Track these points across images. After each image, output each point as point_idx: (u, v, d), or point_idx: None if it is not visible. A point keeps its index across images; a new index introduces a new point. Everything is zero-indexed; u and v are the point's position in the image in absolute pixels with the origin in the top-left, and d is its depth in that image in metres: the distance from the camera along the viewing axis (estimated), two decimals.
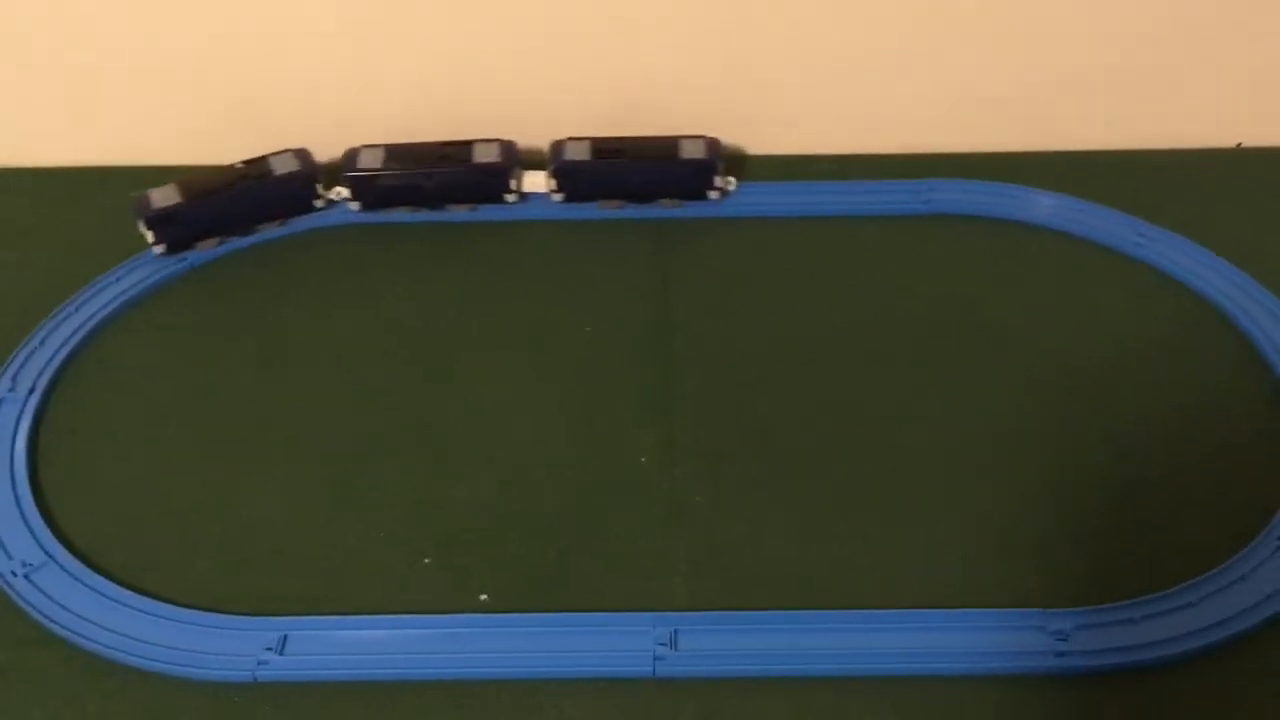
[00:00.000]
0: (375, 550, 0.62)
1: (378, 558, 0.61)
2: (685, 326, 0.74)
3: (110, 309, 0.75)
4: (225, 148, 0.81)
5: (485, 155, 0.80)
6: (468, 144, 0.81)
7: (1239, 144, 0.87)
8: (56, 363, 0.71)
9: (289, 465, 0.66)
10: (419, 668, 0.56)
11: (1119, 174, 0.83)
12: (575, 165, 0.80)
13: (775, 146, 0.87)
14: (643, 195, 0.81)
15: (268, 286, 0.78)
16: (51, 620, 0.58)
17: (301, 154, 0.80)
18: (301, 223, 0.81)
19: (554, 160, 0.80)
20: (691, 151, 0.80)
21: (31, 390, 0.69)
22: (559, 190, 0.81)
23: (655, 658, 0.56)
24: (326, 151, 0.83)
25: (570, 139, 0.81)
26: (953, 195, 0.81)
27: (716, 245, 0.80)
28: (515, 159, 0.81)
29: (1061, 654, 0.55)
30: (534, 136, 0.84)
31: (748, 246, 0.80)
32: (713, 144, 0.80)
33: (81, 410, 0.69)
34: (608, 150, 0.80)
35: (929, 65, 0.84)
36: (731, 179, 0.81)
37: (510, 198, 0.81)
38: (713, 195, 0.81)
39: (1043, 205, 0.80)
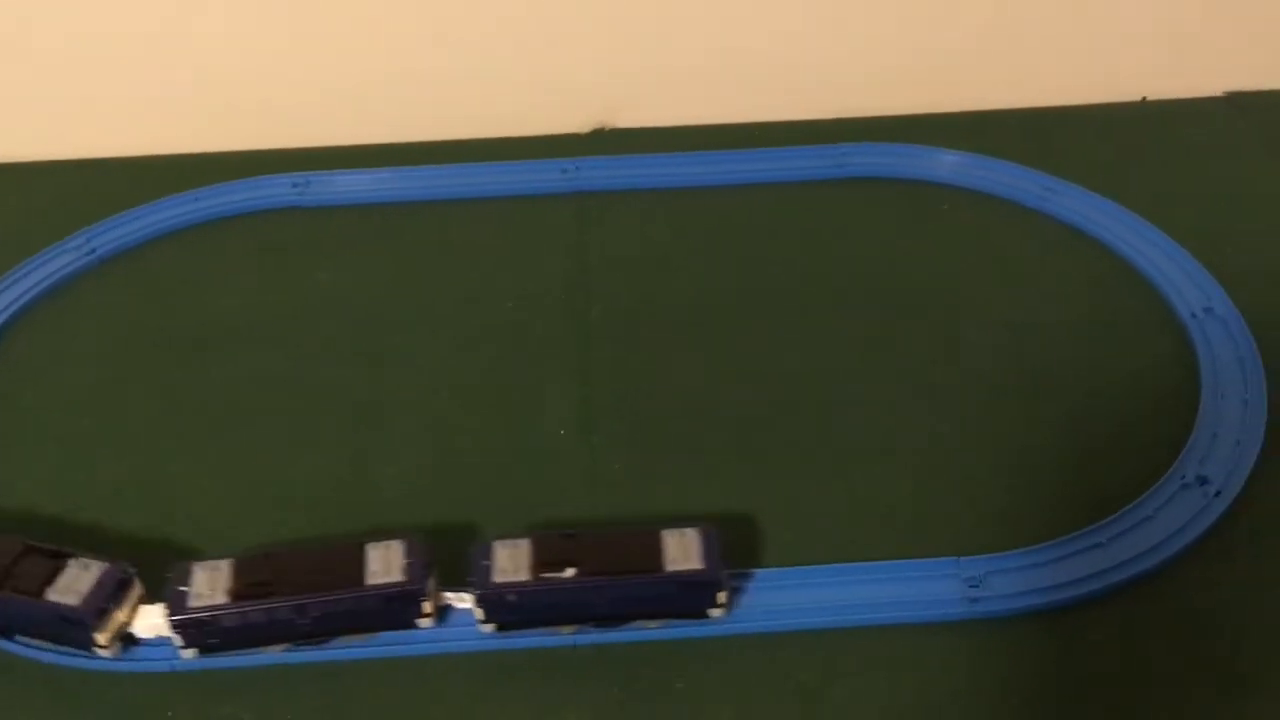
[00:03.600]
0: (299, 534, 0.61)
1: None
2: (606, 298, 0.74)
3: (23, 301, 0.74)
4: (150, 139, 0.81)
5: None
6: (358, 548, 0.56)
7: (1144, 97, 0.88)
8: None
9: (211, 454, 0.65)
10: (342, 649, 0.56)
11: (1028, 131, 0.85)
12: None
13: (694, 116, 0.87)
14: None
15: (186, 273, 0.77)
16: None
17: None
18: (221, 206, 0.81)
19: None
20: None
21: None
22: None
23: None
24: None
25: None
26: (867, 159, 0.83)
27: (637, 216, 0.80)
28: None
29: (975, 600, 0.57)
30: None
31: (668, 216, 0.80)
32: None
33: None
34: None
35: (842, 32, 0.85)
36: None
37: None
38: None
39: (952, 164, 0.81)
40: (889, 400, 0.67)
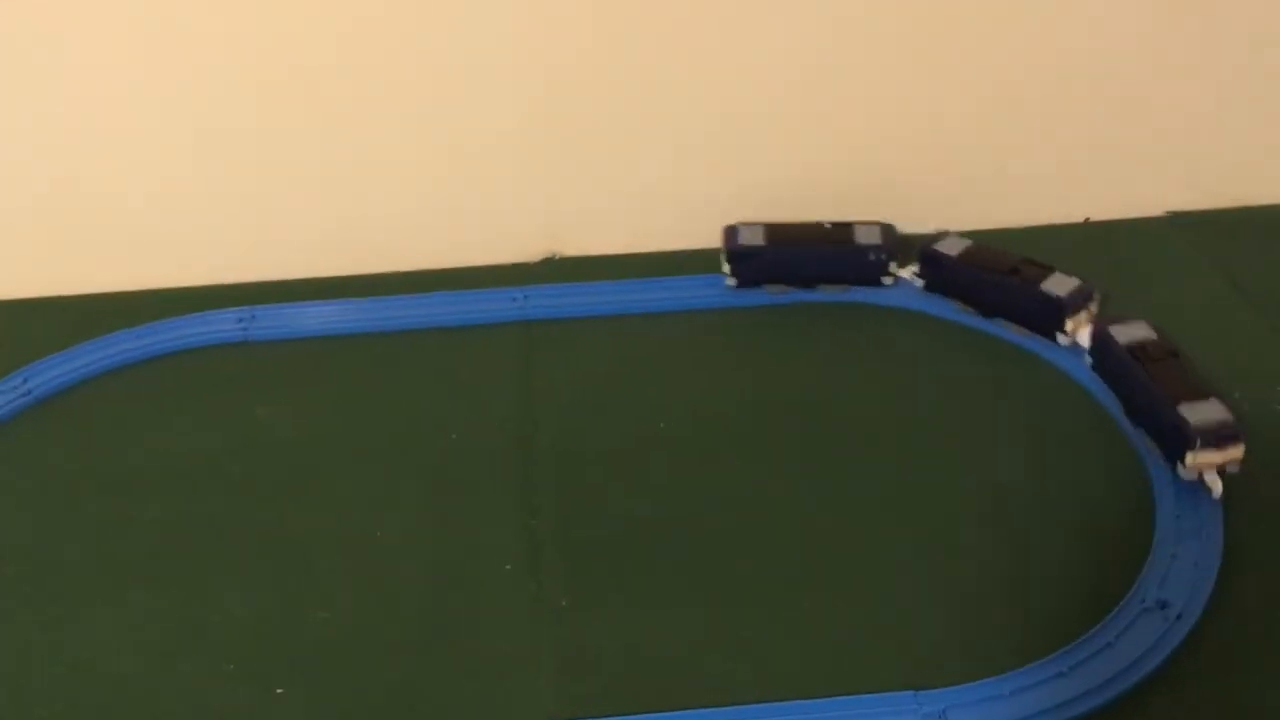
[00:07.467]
0: (224, 684, 0.59)
1: (227, 692, 0.58)
2: (550, 429, 0.73)
3: None
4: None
5: (866, 237, 0.81)
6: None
7: (1087, 218, 0.90)
8: None
9: (133, 599, 0.63)
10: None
11: None
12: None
13: (645, 244, 0.88)
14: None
15: (123, 412, 0.76)
16: None
17: (886, 229, 0.82)
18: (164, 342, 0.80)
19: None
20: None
21: None
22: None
23: None
24: None
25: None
26: None
27: (587, 343, 0.80)
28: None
29: None
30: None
31: (617, 343, 0.80)
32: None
33: None
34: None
35: (782, 159, 0.86)
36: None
37: (887, 280, 0.81)
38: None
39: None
40: (840, 527, 0.65)
